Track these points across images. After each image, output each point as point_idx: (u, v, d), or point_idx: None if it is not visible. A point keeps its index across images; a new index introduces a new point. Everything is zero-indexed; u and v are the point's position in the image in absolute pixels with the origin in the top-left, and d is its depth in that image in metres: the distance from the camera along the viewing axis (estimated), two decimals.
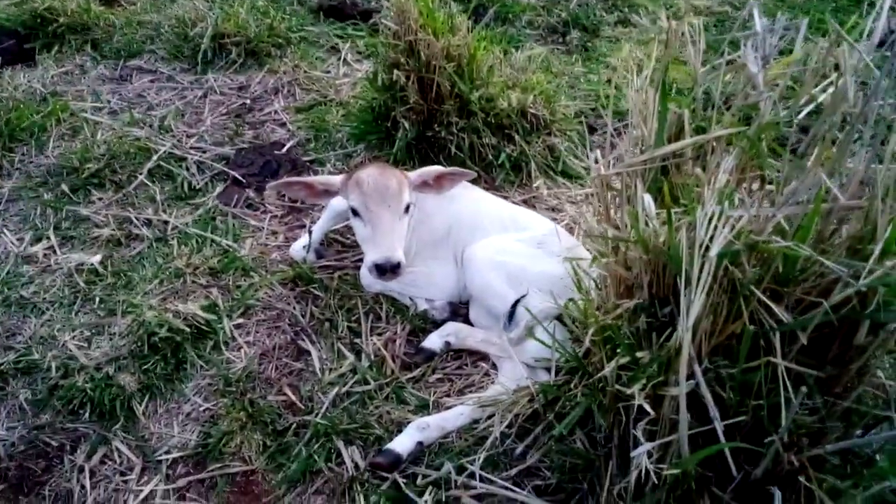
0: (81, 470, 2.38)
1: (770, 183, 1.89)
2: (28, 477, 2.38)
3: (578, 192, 3.57)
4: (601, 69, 4.55)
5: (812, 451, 1.74)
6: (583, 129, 3.84)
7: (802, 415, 1.74)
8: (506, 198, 3.37)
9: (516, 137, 3.58)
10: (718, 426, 1.67)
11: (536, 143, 3.64)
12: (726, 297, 1.73)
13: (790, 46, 1.95)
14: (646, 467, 1.77)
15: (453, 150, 3.49)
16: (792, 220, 1.73)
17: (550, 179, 3.63)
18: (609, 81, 4.28)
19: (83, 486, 2.34)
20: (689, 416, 1.71)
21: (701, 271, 1.60)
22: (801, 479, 1.76)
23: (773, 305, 1.66)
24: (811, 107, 1.89)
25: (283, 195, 3.50)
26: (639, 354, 1.85)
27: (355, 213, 2.70)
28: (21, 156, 3.79)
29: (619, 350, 1.91)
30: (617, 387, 1.90)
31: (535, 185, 3.58)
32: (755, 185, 1.92)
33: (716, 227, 1.64)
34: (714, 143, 1.94)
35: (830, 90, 1.76)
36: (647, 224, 1.84)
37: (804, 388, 1.59)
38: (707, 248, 1.62)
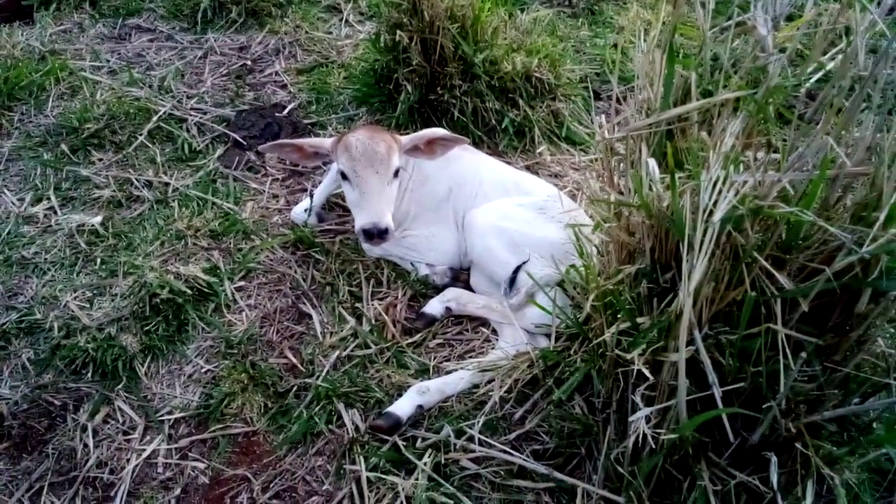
0: (84, 429, 2.40)
1: (777, 151, 1.87)
2: (31, 435, 2.40)
3: (582, 158, 3.53)
4: (607, 33, 4.47)
5: (809, 418, 1.74)
6: (587, 94, 3.79)
7: (801, 382, 1.74)
8: (509, 163, 3.34)
9: (520, 102, 3.53)
10: (717, 392, 1.68)
11: (540, 107, 3.59)
12: (728, 264, 1.72)
13: (799, 13, 1.91)
14: (643, 432, 1.78)
15: (456, 113, 3.44)
16: (797, 186, 1.71)
17: (554, 145, 3.59)
18: (615, 46, 4.21)
19: (86, 445, 2.36)
20: (687, 381, 1.71)
21: (704, 236, 1.58)
22: (798, 445, 1.77)
23: (774, 272, 1.65)
24: (822, 72, 1.86)
25: (284, 158, 3.48)
26: (639, 320, 1.85)
27: (344, 176, 2.69)
28: (20, 115, 3.76)
29: (619, 315, 1.91)
30: (617, 352, 1.90)
31: (538, 150, 3.54)
32: (761, 151, 1.89)
33: (720, 192, 1.62)
34: (721, 107, 1.91)
35: (840, 55, 1.73)
36: (650, 189, 1.82)
37: (803, 355, 1.59)
38: (710, 214, 1.61)
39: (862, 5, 1.64)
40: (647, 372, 1.77)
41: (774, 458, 1.70)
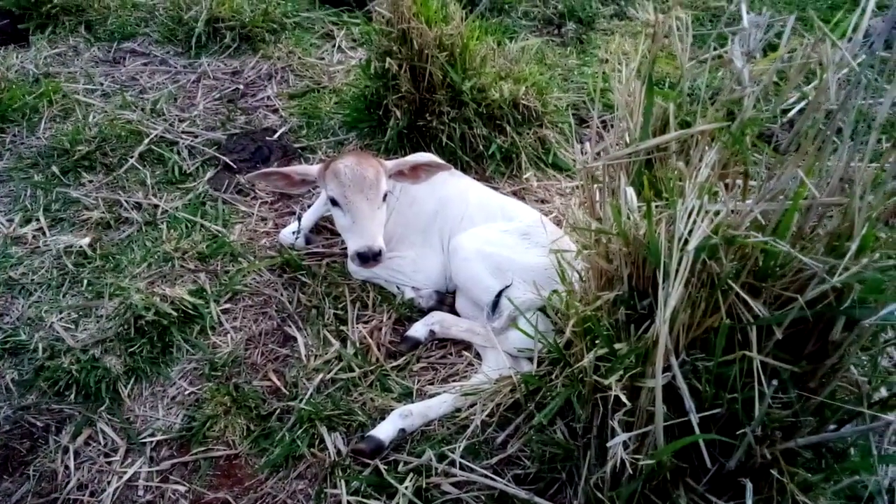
0: (66, 451, 2.39)
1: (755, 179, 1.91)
2: (13, 457, 2.39)
3: (568, 184, 3.58)
4: (594, 62, 4.55)
5: (784, 445, 1.76)
6: (575, 121, 3.85)
7: (776, 409, 1.76)
8: (496, 189, 3.38)
9: (508, 128, 3.58)
10: (693, 418, 1.69)
11: (528, 134, 3.64)
12: (705, 292, 1.75)
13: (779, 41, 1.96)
14: (621, 457, 1.80)
15: (444, 139, 3.49)
16: (771, 215, 1.75)
17: (541, 171, 3.64)
18: (602, 74, 4.27)
19: (67, 467, 2.35)
20: (665, 407, 1.72)
21: (679, 264, 1.61)
22: (774, 472, 1.78)
23: (749, 300, 1.67)
24: (801, 104, 1.90)
25: (271, 186, 3.51)
26: (617, 346, 1.87)
27: (334, 203, 2.72)
28: (12, 137, 3.79)
29: (597, 341, 1.93)
30: (595, 377, 1.91)
31: (525, 176, 3.58)
32: (739, 181, 1.93)
33: (695, 222, 1.65)
34: (698, 138, 1.95)
35: (814, 88, 1.78)
36: (628, 217, 1.85)
37: (775, 382, 1.61)
38: (686, 242, 1.64)
39: (832, 41, 1.69)
40: (623, 398, 1.79)
41: (750, 485, 1.71)
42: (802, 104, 1.93)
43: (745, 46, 1.93)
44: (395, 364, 2.67)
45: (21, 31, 4.66)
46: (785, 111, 1.95)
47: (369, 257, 2.63)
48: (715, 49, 2.05)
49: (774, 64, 1.92)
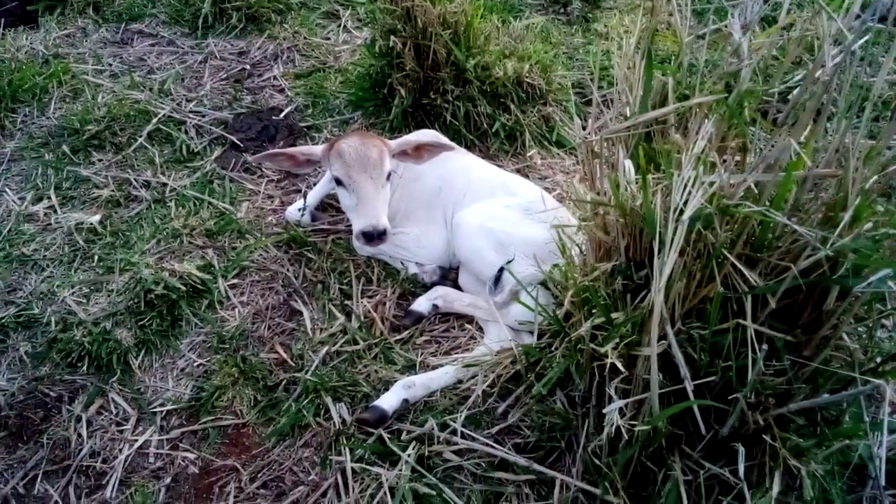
0: (79, 420, 2.46)
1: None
2: (27, 425, 2.46)
3: (572, 161, 3.60)
4: (597, 39, 4.54)
5: (777, 411, 1.79)
6: (578, 99, 3.86)
7: (769, 376, 1.80)
8: (500, 166, 3.40)
9: (511, 106, 3.60)
10: (688, 385, 1.73)
11: (531, 112, 3.66)
12: (701, 262, 1.78)
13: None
14: (617, 424, 1.84)
15: (449, 118, 3.51)
16: (766, 186, 1.77)
17: (544, 149, 3.66)
18: (606, 52, 4.27)
19: (80, 435, 2.42)
20: (660, 375, 1.76)
21: (674, 234, 1.64)
22: (766, 437, 1.82)
23: (744, 269, 1.70)
24: (812, 79, 1.92)
25: (276, 167, 3.54)
26: (614, 315, 1.91)
27: (339, 182, 2.76)
28: (23, 117, 3.84)
29: (595, 311, 1.97)
30: (592, 346, 1.95)
31: (528, 154, 3.60)
32: (738, 157, 1.95)
33: (690, 192, 1.68)
34: (696, 110, 1.97)
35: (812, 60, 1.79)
36: (626, 189, 1.88)
37: (765, 347, 1.64)
38: (681, 212, 1.66)
39: (829, 14, 1.71)
40: (620, 365, 1.83)
41: (742, 449, 1.75)
42: (800, 77, 1.95)
43: (743, 19, 1.95)
44: (398, 337, 2.72)
45: (30, 12, 4.69)
46: (790, 89, 1.97)
47: (374, 236, 2.67)
48: (714, 23, 2.07)
49: (772, 37, 1.94)
